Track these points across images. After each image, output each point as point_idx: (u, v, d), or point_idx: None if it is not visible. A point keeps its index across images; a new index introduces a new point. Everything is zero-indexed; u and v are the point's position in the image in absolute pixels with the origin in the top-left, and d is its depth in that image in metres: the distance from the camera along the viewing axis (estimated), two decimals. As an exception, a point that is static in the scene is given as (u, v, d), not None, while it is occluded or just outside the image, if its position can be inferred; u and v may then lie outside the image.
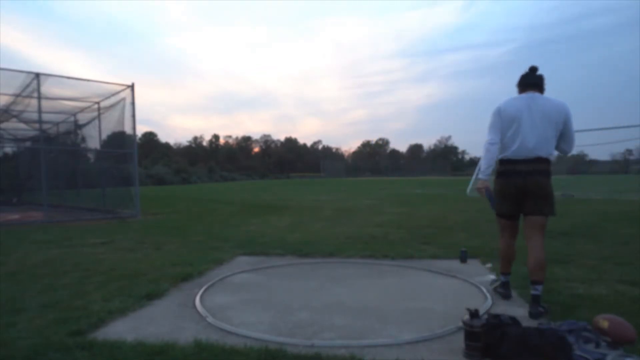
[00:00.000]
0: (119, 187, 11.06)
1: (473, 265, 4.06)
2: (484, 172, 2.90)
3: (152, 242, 5.70)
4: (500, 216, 2.96)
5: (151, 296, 3.06)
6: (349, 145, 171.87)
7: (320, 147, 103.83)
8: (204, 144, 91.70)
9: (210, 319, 2.58)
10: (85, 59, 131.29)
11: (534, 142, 2.72)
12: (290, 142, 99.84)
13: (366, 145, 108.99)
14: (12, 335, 2.33)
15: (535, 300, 2.60)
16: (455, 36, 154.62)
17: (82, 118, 12.37)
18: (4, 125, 13.22)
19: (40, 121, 10.21)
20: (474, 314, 2.01)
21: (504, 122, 2.82)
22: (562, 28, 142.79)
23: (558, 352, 1.84)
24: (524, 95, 2.84)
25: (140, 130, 79.35)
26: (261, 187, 29.14)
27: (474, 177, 18.02)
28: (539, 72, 2.88)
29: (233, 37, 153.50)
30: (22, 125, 13.27)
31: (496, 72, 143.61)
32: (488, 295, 2.99)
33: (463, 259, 4.16)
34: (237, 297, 3.08)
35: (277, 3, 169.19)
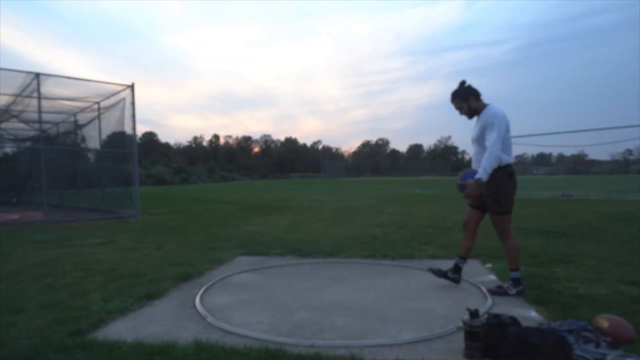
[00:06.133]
0: (119, 187, 11.07)
1: (473, 265, 4.05)
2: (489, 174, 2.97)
3: (152, 242, 5.70)
4: (509, 212, 3.08)
5: (151, 296, 3.06)
6: (349, 145, 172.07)
7: (320, 147, 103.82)
8: (204, 144, 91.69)
9: (210, 319, 2.58)
10: (84, 58, 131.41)
11: None
12: (290, 142, 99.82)
13: (366, 145, 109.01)
14: (12, 335, 2.33)
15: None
16: (456, 34, 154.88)
17: (82, 118, 12.38)
18: (4, 125, 13.22)
19: (40, 121, 10.21)
20: (474, 314, 2.01)
21: (506, 132, 3.03)
22: (564, 26, 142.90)
23: (558, 352, 1.84)
24: None
25: (140, 130, 79.39)
26: (261, 187, 29.14)
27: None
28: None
29: (233, 35, 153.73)
30: (22, 125, 13.27)
31: (498, 71, 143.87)
32: (488, 295, 2.99)
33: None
34: (237, 297, 3.08)
35: (277, 1, 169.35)
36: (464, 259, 3.27)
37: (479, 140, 3.07)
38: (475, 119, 3.18)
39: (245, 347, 2.11)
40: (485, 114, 3.05)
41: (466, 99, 3.13)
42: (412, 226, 6.97)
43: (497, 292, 3.03)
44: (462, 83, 3.17)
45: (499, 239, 3.22)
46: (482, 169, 2.90)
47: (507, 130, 3.02)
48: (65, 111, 11.90)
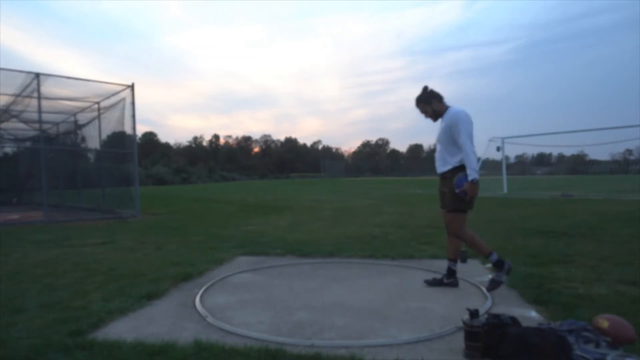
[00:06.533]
0: (119, 187, 11.07)
1: (473, 265, 4.06)
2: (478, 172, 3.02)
3: (152, 242, 5.70)
4: (465, 211, 3.14)
5: (151, 296, 3.06)
6: (349, 145, 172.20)
7: (320, 147, 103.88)
8: (204, 144, 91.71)
9: (210, 319, 2.58)
10: (84, 58, 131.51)
11: None
12: (290, 142, 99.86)
13: (366, 145, 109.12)
14: (12, 335, 2.33)
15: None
16: (456, 34, 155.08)
17: (82, 118, 12.38)
18: (4, 125, 13.23)
19: (40, 121, 10.21)
20: (474, 314, 2.01)
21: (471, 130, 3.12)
22: (564, 26, 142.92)
23: (558, 352, 1.84)
24: None
25: (140, 130, 79.43)
26: (261, 187, 29.14)
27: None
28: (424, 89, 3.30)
29: (233, 35, 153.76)
30: (22, 125, 13.27)
31: (498, 71, 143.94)
32: (488, 295, 2.99)
33: (463, 259, 4.15)
34: (237, 297, 3.08)
35: (277, 1, 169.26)
36: (454, 261, 3.32)
37: (443, 139, 3.17)
38: (439, 121, 3.28)
39: (245, 347, 2.11)
40: (448, 115, 3.16)
41: (429, 103, 3.24)
42: (412, 226, 6.97)
43: (492, 287, 3.02)
44: (425, 88, 3.29)
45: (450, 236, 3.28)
46: (470, 170, 2.98)
47: (471, 129, 3.11)
48: (65, 111, 11.90)
